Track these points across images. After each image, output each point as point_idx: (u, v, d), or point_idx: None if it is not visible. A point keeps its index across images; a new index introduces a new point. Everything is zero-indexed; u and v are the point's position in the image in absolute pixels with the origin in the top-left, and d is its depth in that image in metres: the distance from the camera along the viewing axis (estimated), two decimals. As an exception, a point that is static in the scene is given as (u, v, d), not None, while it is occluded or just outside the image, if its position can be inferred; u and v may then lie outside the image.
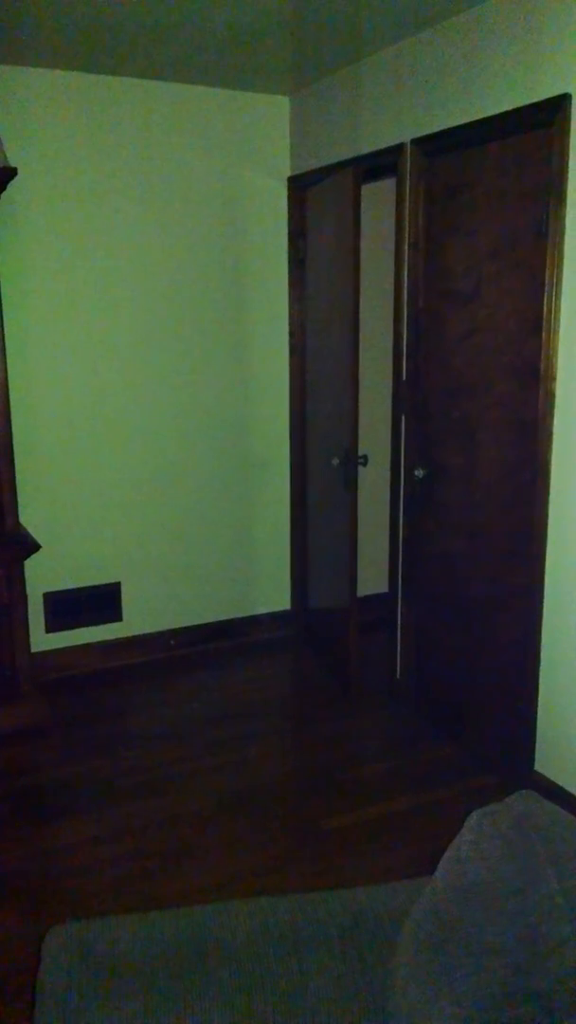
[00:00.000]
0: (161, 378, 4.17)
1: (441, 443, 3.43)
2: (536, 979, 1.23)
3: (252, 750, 3.50)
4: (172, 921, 1.61)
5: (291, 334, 4.40)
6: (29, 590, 3.72)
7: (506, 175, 2.96)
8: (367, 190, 3.84)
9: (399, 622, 3.80)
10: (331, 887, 2.30)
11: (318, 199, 3.99)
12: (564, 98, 2.65)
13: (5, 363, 3.40)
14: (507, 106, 2.88)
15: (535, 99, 2.76)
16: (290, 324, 4.40)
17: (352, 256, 3.50)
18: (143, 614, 4.34)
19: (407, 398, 3.58)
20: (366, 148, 3.64)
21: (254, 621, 4.63)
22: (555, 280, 2.77)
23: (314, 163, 4.04)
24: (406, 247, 3.48)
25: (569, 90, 2.64)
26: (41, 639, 4.05)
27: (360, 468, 3.71)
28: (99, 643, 4.26)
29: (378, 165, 3.59)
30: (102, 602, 4.24)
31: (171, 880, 2.72)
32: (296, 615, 4.66)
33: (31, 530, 3.82)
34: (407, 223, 3.45)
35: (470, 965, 1.25)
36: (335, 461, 3.78)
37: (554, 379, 2.83)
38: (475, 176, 3.10)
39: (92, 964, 1.52)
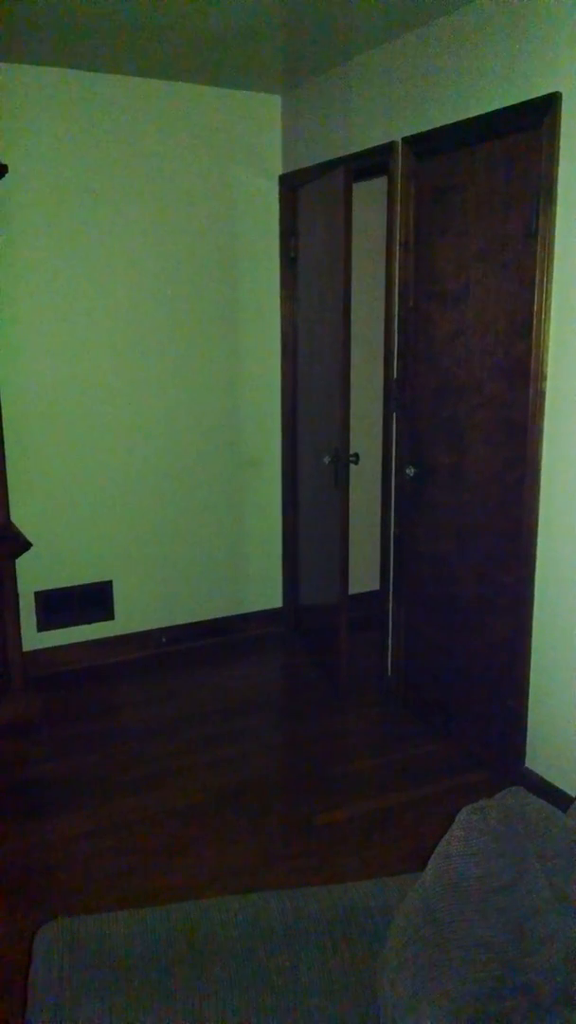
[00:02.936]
0: (153, 376, 4.17)
1: (431, 442, 3.45)
2: (524, 973, 1.24)
3: (244, 746, 3.51)
4: (164, 917, 1.62)
5: (283, 333, 4.41)
6: (20, 589, 3.72)
7: (496, 175, 2.97)
8: (359, 189, 3.85)
9: (390, 619, 3.81)
10: (322, 883, 2.32)
11: (310, 198, 4.00)
12: (554, 97, 2.66)
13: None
14: (497, 105, 2.89)
15: (525, 98, 2.77)
16: (282, 323, 4.40)
17: (343, 255, 3.51)
18: (135, 612, 4.35)
19: (397, 397, 3.59)
20: (357, 147, 3.65)
21: (245, 618, 4.64)
22: (545, 280, 2.78)
23: (306, 161, 4.05)
24: (397, 247, 3.49)
25: (559, 89, 2.65)
26: (33, 637, 4.05)
27: (351, 466, 3.72)
28: (91, 641, 4.26)
29: (370, 164, 3.59)
30: (94, 600, 4.24)
31: (163, 876, 2.73)
32: (287, 612, 4.67)
33: (22, 528, 3.82)
34: (398, 223, 3.46)
35: (459, 959, 1.26)
36: (326, 459, 3.79)
37: (545, 379, 2.84)
38: (465, 176, 3.11)
39: (84, 960, 1.52)
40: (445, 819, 1.51)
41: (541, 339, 2.83)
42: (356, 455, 3.73)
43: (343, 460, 3.67)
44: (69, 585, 4.17)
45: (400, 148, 3.37)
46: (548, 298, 2.79)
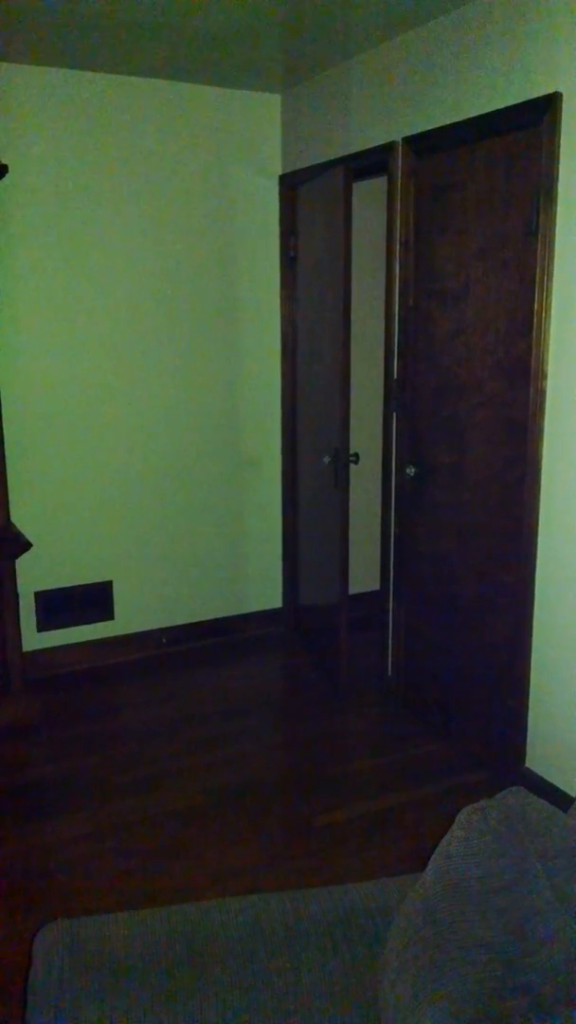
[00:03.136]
0: (153, 376, 4.17)
1: (431, 442, 3.44)
2: (525, 973, 1.23)
3: (244, 747, 3.51)
4: (164, 918, 1.62)
5: (282, 332, 4.40)
6: (20, 589, 3.71)
7: (496, 174, 2.97)
8: (359, 188, 3.84)
9: (390, 620, 3.81)
10: (323, 883, 2.31)
11: (310, 197, 3.99)
12: (554, 97, 2.65)
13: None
14: (497, 105, 2.89)
15: (525, 98, 2.77)
16: (281, 322, 4.40)
17: (343, 254, 3.51)
18: (135, 612, 4.34)
19: (397, 396, 3.59)
20: (357, 146, 3.64)
21: (245, 619, 4.63)
22: (545, 279, 2.78)
23: (306, 161, 4.04)
24: (397, 246, 3.48)
25: (559, 89, 2.65)
26: (33, 638, 4.05)
27: (351, 466, 3.72)
28: (91, 641, 4.26)
29: (369, 163, 3.59)
30: (94, 600, 4.24)
31: (163, 877, 2.72)
32: (287, 613, 4.67)
33: (22, 528, 3.81)
34: (398, 222, 3.45)
35: (460, 960, 1.26)
36: (326, 459, 3.78)
37: (545, 377, 2.84)
38: (465, 175, 3.10)
39: (84, 962, 1.52)
40: (445, 819, 1.50)
41: (541, 338, 2.82)
42: (356, 455, 3.72)
43: (343, 460, 3.67)
44: (69, 585, 4.17)
45: (400, 148, 3.36)
46: (548, 296, 2.79)
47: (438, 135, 3.17)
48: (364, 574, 4.46)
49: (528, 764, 3.11)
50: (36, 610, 4.10)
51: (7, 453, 3.53)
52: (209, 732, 3.63)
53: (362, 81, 3.59)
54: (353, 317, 3.63)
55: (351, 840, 2.91)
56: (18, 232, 3.77)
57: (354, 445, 3.74)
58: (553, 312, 2.79)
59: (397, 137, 3.39)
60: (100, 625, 4.27)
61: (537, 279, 2.80)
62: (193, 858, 2.81)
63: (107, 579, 4.25)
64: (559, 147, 2.67)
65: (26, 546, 3.53)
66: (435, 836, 1.50)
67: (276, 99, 4.22)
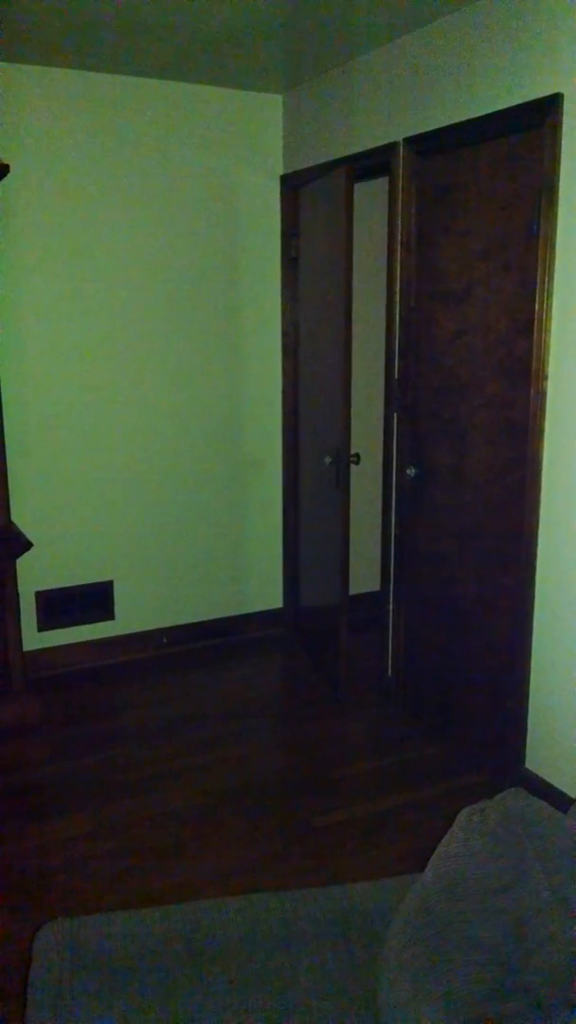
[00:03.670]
0: (154, 376, 4.17)
1: (432, 443, 3.44)
2: (524, 974, 1.24)
3: (243, 748, 3.51)
4: (163, 918, 1.62)
5: (284, 333, 4.40)
6: (21, 588, 3.72)
7: (498, 175, 2.97)
8: (360, 189, 3.85)
9: (390, 621, 3.81)
10: (322, 884, 2.31)
11: (311, 198, 3.99)
12: (556, 98, 2.65)
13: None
14: (499, 106, 2.89)
15: (527, 99, 2.77)
16: (283, 323, 4.40)
17: (345, 255, 3.51)
18: (135, 612, 4.34)
19: (399, 397, 3.59)
20: (359, 147, 3.65)
21: (246, 619, 4.63)
22: (546, 280, 2.78)
23: (307, 161, 4.05)
24: (398, 247, 3.49)
25: (561, 90, 2.65)
26: (33, 637, 4.05)
27: (352, 466, 3.72)
28: (91, 641, 4.26)
29: (371, 164, 3.59)
30: (94, 600, 4.24)
31: (162, 877, 2.72)
32: (288, 613, 4.67)
33: (23, 528, 3.82)
34: (399, 223, 3.45)
35: (459, 961, 1.26)
36: (327, 459, 3.78)
37: (546, 378, 2.84)
38: (467, 176, 3.10)
39: (84, 961, 1.52)
40: (444, 821, 1.50)
41: (542, 339, 2.82)
42: (357, 455, 3.72)
43: (344, 460, 3.67)
44: (70, 585, 4.17)
45: (402, 148, 3.36)
46: (549, 298, 2.79)
47: (440, 136, 3.17)
48: (364, 575, 4.46)
49: (528, 765, 3.11)
50: (37, 610, 4.10)
51: (7, 453, 3.53)
52: (209, 733, 3.63)
53: (364, 81, 3.60)
54: (354, 317, 3.63)
55: (350, 841, 2.91)
56: (20, 232, 3.77)
57: (355, 445, 3.74)
58: (554, 313, 2.79)
59: (399, 137, 3.39)
60: (101, 625, 4.28)
61: (538, 280, 2.80)
62: (192, 858, 2.82)
63: (108, 579, 4.25)
64: (560, 149, 2.67)
65: (27, 546, 3.54)
66: (434, 837, 1.51)
67: (278, 99, 4.22)
